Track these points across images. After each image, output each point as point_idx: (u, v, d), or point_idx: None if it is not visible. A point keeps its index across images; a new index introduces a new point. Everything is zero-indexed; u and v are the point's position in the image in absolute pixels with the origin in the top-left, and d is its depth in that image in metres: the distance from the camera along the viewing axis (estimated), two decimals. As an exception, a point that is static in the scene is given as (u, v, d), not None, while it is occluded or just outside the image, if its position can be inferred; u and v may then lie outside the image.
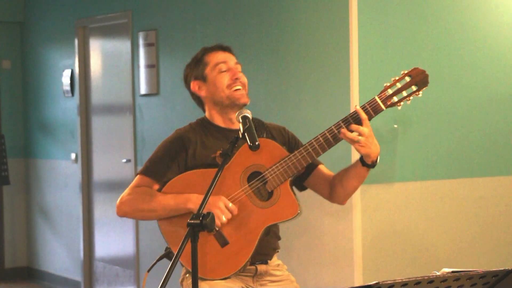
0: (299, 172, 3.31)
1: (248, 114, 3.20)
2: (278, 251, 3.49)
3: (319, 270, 5.21)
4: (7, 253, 8.47)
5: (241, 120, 3.17)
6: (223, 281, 3.30)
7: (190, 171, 3.35)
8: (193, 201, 3.24)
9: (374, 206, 5.03)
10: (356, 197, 4.93)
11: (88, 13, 7.52)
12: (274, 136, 3.45)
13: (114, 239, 7.37)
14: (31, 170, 8.41)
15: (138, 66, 6.79)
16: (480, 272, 2.48)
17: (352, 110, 3.24)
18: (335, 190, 3.40)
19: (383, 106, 3.20)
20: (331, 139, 3.22)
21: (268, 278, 3.43)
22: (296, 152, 3.26)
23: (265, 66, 5.59)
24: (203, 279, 3.28)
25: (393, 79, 3.22)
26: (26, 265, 8.51)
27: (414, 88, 3.22)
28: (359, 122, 3.18)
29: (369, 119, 3.19)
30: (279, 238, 3.50)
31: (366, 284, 2.35)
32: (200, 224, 2.82)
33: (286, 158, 3.27)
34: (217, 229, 3.24)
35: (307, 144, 3.25)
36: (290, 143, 3.48)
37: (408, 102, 3.23)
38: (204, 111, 3.53)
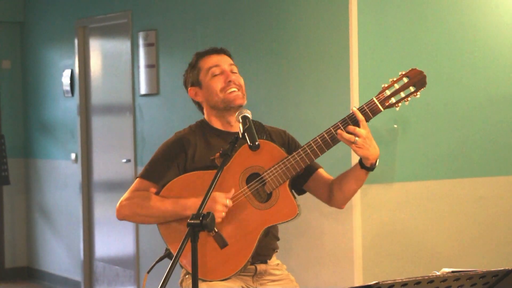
0: (298, 173, 3.31)
1: (248, 114, 3.20)
2: (277, 251, 3.50)
3: (319, 270, 5.21)
4: (7, 253, 8.47)
5: (241, 120, 3.17)
6: (223, 281, 3.31)
7: (189, 173, 3.35)
8: (192, 207, 3.22)
9: (374, 206, 5.03)
10: (356, 197, 4.93)
11: (88, 13, 7.52)
12: (273, 138, 3.45)
13: (114, 239, 7.37)
14: (31, 170, 8.41)
15: (138, 66, 6.79)
16: (480, 272, 2.48)
17: (351, 111, 3.24)
18: (334, 194, 3.40)
19: (381, 107, 3.20)
20: (329, 140, 3.22)
21: (268, 277, 3.43)
22: (294, 153, 3.26)
23: (265, 66, 5.59)
24: (203, 280, 3.28)
25: (391, 80, 3.22)
26: (26, 265, 8.51)
27: (412, 89, 3.22)
28: (357, 123, 3.18)
29: (368, 120, 3.19)
30: (278, 239, 3.50)
31: (366, 284, 2.35)
32: (200, 224, 2.82)
33: (285, 160, 3.27)
34: (216, 230, 3.24)
35: (305, 146, 3.25)
36: (290, 146, 3.48)
37: (406, 103, 3.23)
38: (203, 114, 3.53)
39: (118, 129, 7.26)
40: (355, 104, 4.88)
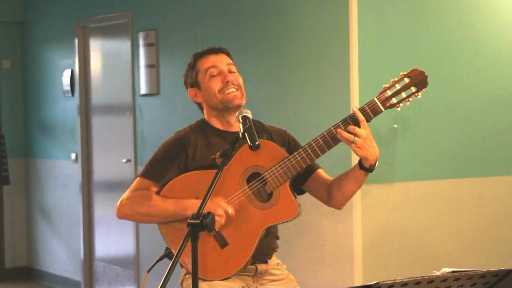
0: (299, 173, 3.31)
1: (248, 114, 3.20)
2: (277, 250, 3.50)
3: (319, 270, 5.21)
4: (7, 253, 8.47)
5: (241, 120, 3.17)
6: (223, 281, 3.31)
7: (190, 173, 3.35)
8: (192, 208, 3.22)
9: (374, 206, 5.03)
10: (356, 197, 4.93)
11: (88, 13, 7.52)
12: (273, 138, 3.45)
13: (114, 239, 7.37)
14: (31, 170, 8.41)
15: (138, 66, 6.79)
16: (480, 272, 2.48)
17: (351, 111, 3.24)
18: (333, 194, 3.40)
19: (382, 108, 3.19)
20: (330, 140, 3.22)
21: (268, 277, 3.43)
22: (295, 153, 3.26)
23: (265, 66, 5.59)
24: (203, 280, 3.28)
25: (392, 80, 3.22)
26: (26, 265, 8.51)
27: (413, 89, 3.22)
28: (358, 123, 3.18)
29: (369, 120, 3.18)
30: (277, 238, 3.50)
31: (366, 284, 2.35)
32: (200, 224, 2.82)
33: (286, 160, 3.27)
34: (216, 230, 3.25)
35: (306, 146, 3.25)
36: (290, 145, 3.48)
37: (408, 103, 3.22)
38: (203, 114, 3.53)
39: (118, 129, 7.26)
40: (355, 104, 4.88)
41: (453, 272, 2.49)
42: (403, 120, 5.08)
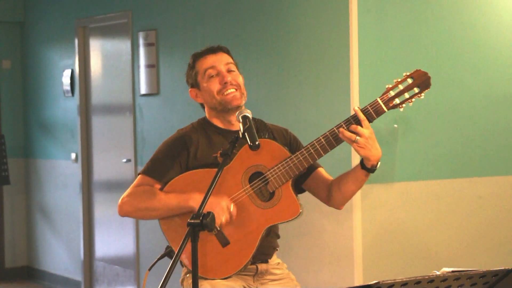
0: (301, 173, 3.30)
1: (249, 113, 3.20)
2: (277, 250, 3.50)
3: (319, 270, 5.21)
4: (7, 253, 8.47)
5: (241, 120, 3.17)
6: (224, 280, 3.31)
7: (192, 171, 3.35)
8: (195, 199, 3.22)
9: (374, 206, 5.03)
10: (357, 197, 4.93)
11: (88, 13, 7.52)
12: (275, 137, 3.44)
13: (114, 239, 7.37)
14: (31, 170, 8.41)
15: (138, 66, 6.79)
16: (480, 271, 2.48)
17: (352, 111, 3.24)
18: (333, 194, 3.39)
19: (385, 108, 3.19)
20: (332, 140, 3.21)
21: (269, 277, 3.43)
22: (298, 153, 3.26)
23: (265, 66, 5.59)
24: (204, 279, 3.28)
25: (395, 80, 3.21)
26: (26, 265, 8.51)
27: (416, 90, 3.21)
28: (360, 123, 3.17)
29: (371, 121, 3.18)
30: (278, 237, 3.50)
31: (366, 284, 2.35)
32: (200, 224, 2.82)
33: (288, 159, 3.26)
34: (218, 229, 3.25)
35: (308, 145, 3.25)
36: (292, 144, 3.47)
37: (410, 104, 3.22)
38: (205, 112, 3.53)
39: (118, 129, 7.26)
40: (355, 104, 4.88)
41: (453, 271, 2.49)
42: (403, 120, 5.08)
